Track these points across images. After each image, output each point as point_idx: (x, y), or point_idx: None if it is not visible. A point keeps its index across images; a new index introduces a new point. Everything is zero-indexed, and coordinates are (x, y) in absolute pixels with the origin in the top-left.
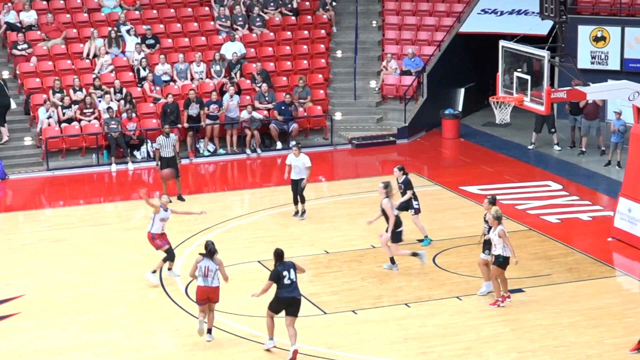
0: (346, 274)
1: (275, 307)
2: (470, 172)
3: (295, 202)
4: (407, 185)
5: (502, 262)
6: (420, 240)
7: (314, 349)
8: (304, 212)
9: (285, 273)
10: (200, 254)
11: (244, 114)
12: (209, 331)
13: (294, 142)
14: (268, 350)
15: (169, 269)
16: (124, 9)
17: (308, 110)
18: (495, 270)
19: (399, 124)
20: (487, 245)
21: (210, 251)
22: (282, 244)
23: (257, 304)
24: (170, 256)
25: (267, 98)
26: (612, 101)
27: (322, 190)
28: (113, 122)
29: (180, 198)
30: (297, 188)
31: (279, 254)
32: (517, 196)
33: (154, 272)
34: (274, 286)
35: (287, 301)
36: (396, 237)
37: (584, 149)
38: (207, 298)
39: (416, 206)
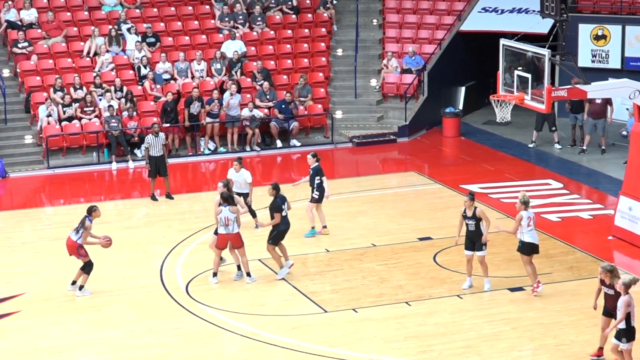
0: (347, 272)
1: (277, 240)
2: (470, 170)
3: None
4: (316, 172)
5: (521, 246)
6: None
7: (314, 347)
8: (256, 225)
9: (284, 206)
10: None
11: (245, 112)
12: (248, 274)
13: (237, 157)
14: (283, 278)
15: (75, 282)
16: (124, 7)
17: (309, 108)
18: (522, 257)
19: (400, 123)
20: (474, 240)
21: (225, 199)
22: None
23: (257, 302)
24: (89, 269)
25: (268, 96)
26: (619, 99)
27: None
28: (113, 121)
29: (168, 196)
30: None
31: (278, 187)
32: (517, 194)
33: (74, 282)
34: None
35: (285, 232)
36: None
37: (584, 148)
38: (227, 243)
39: (316, 196)
